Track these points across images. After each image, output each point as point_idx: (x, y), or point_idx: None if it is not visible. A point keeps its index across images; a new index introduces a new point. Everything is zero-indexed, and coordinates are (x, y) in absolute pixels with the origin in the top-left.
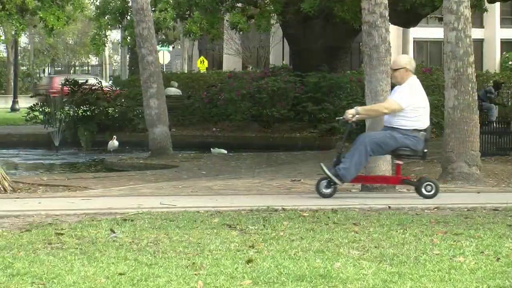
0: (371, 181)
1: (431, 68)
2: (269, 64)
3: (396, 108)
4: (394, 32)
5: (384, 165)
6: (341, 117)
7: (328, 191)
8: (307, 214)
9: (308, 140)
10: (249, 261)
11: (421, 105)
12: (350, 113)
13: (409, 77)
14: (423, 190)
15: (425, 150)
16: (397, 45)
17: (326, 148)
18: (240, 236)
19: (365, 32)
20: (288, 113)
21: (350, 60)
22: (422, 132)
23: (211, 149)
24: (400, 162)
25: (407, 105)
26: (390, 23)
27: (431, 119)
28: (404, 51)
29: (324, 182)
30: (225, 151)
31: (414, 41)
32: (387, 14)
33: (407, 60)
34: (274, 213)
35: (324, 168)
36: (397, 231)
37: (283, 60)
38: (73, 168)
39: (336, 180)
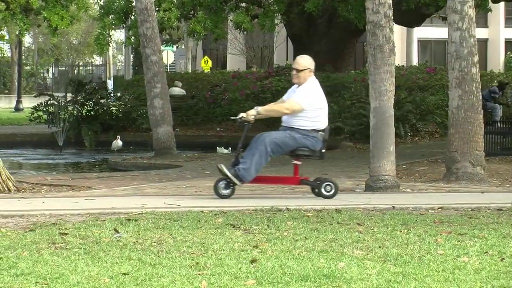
0: (270, 181)
1: (435, 68)
2: (273, 64)
3: (297, 109)
4: (398, 32)
5: (388, 165)
6: (237, 117)
7: (227, 191)
8: (311, 214)
9: None
10: (253, 261)
11: (320, 106)
12: (251, 114)
13: (310, 77)
14: (323, 191)
15: (323, 150)
16: (401, 45)
17: (330, 148)
18: (244, 236)
19: (369, 32)
20: None
21: (354, 60)
22: (321, 133)
23: (217, 148)
24: (298, 163)
25: (308, 106)
26: (394, 23)
27: (435, 119)
28: (408, 50)
29: (222, 183)
30: (229, 151)
31: (418, 41)
32: (391, 14)
33: (311, 61)
34: (278, 213)
35: (224, 168)
36: (401, 231)
37: (287, 60)
38: (77, 168)
39: (236, 181)
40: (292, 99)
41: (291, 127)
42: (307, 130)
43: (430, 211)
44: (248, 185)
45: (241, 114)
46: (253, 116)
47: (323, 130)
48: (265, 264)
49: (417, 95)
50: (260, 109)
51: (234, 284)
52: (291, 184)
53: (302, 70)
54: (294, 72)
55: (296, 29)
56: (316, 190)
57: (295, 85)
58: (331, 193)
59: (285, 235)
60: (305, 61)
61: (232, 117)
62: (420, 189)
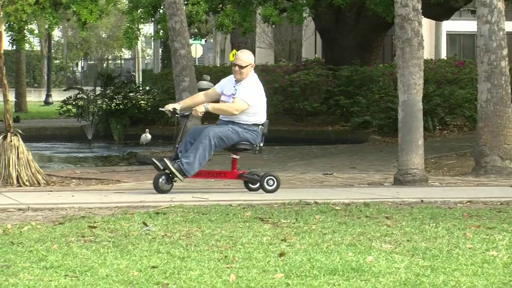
0: (209, 176)
1: (464, 61)
2: (301, 57)
3: (245, 108)
4: (427, 25)
5: (417, 159)
6: (166, 109)
7: (169, 187)
8: (339, 208)
9: (340, 133)
10: (281, 254)
11: (260, 101)
12: (201, 111)
13: (251, 73)
14: (265, 185)
15: (261, 144)
16: (430, 38)
17: (359, 142)
18: (272, 229)
19: (398, 26)
20: (320, 106)
21: (383, 54)
22: (260, 126)
23: None
24: (237, 157)
25: (254, 103)
26: (422, 16)
27: (463, 113)
28: (437, 44)
29: (163, 179)
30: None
31: (447, 34)
32: (420, 7)
33: (252, 56)
34: (306, 207)
35: (168, 163)
36: (429, 225)
37: (315, 53)
38: (105, 161)
39: (179, 176)
40: (239, 98)
41: (232, 121)
42: (248, 124)
43: (458, 205)
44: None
45: (170, 106)
46: (201, 113)
47: (262, 124)
48: (293, 258)
49: (445, 88)
50: (209, 106)
51: (262, 277)
52: (230, 178)
53: (245, 67)
54: (236, 68)
55: (325, 22)
56: (258, 184)
57: (231, 78)
58: (273, 187)
59: (313, 229)
60: (248, 57)
61: (160, 109)
62: (449, 183)
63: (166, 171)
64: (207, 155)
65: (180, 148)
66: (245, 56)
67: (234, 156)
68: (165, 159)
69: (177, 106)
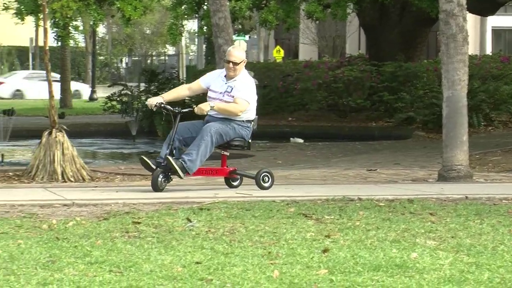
0: (199, 173)
1: (509, 57)
2: (345, 53)
3: (247, 108)
4: (472, 20)
5: (461, 155)
6: (154, 104)
7: (166, 184)
8: (383, 204)
9: (384, 129)
10: (325, 250)
11: (255, 98)
12: (206, 110)
13: (243, 69)
14: (261, 182)
15: (250, 141)
16: (475, 34)
17: (402, 138)
18: (316, 225)
19: (442, 21)
20: (364, 102)
21: (427, 49)
22: (252, 123)
23: (291, 138)
24: (227, 154)
25: (252, 101)
26: (467, 12)
27: (508, 109)
28: (482, 39)
29: (162, 177)
30: (301, 141)
31: (492, 30)
32: (464, 2)
33: (244, 52)
34: (350, 203)
35: (172, 161)
36: (474, 221)
37: (359, 49)
38: (150, 157)
39: (181, 174)
40: (241, 99)
41: (227, 118)
42: (243, 120)
43: (504, 201)
44: (320, 174)
45: (154, 100)
46: (207, 112)
47: (253, 120)
48: (337, 254)
49: (490, 84)
50: (215, 106)
51: (306, 273)
52: (221, 175)
53: (239, 63)
54: (230, 65)
55: (369, 18)
56: (239, 181)
57: (219, 73)
58: (268, 183)
59: (357, 225)
60: (241, 54)
61: (146, 103)
62: (494, 179)
63: (161, 169)
64: (208, 152)
65: (174, 145)
66: (238, 53)
67: (225, 153)
68: (168, 157)
69: (160, 99)
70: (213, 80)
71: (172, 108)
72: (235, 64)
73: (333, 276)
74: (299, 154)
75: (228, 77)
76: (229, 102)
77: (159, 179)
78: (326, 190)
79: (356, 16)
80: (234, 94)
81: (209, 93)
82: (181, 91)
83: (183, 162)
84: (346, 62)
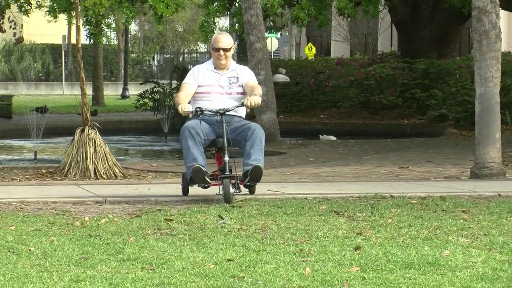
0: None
1: None
2: (377, 50)
3: None
4: (505, 17)
5: (494, 152)
6: (214, 110)
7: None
8: (415, 201)
9: (416, 127)
10: (357, 248)
11: None
12: (259, 102)
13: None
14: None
15: None
16: (508, 31)
17: (435, 135)
18: (347, 223)
19: (475, 18)
20: (396, 99)
21: (459, 46)
22: None
23: (320, 136)
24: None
25: None
26: (500, 8)
27: None
28: None
29: (232, 186)
30: (334, 138)
31: None
32: None
33: (232, 39)
34: (382, 200)
35: (260, 170)
36: (507, 219)
37: (391, 46)
38: (181, 154)
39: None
40: (255, 82)
41: (241, 116)
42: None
43: None
44: (351, 172)
45: (188, 107)
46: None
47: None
48: (369, 251)
49: None
50: (259, 95)
51: (338, 271)
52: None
53: (230, 49)
54: (221, 52)
55: (401, 15)
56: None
57: (207, 67)
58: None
59: (389, 222)
60: (230, 39)
61: (184, 111)
62: None
63: (228, 179)
64: None
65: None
66: (227, 39)
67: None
68: (258, 165)
69: (190, 106)
70: (202, 75)
71: (216, 109)
72: (225, 50)
73: (365, 273)
74: (331, 152)
75: (219, 68)
76: (241, 92)
77: (231, 191)
78: (358, 187)
79: (388, 13)
80: (245, 81)
81: (204, 89)
82: (186, 100)
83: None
84: (378, 59)
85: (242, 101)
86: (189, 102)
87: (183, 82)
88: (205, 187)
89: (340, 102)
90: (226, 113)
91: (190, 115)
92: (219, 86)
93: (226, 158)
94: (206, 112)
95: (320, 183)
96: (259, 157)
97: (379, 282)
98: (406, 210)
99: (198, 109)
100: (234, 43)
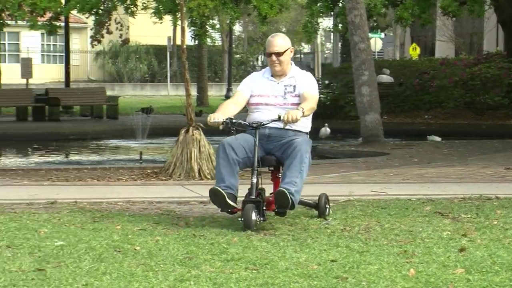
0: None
1: None
2: (482, 50)
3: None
4: None
5: None
6: (274, 120)
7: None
8: None
9: None
10: (461, 249)
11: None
12: (300, 117)
13: (293, 64)
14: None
15: None
16: None
17: None
18: (452, 224)
19: None
20: (502, 100)
21: None
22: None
23: (428, 136)
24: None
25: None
26: None
27: None
28: None
29: (254, 213)
30: (439, 139)
31: None
32: None
33: (289, 39)
34: (487, 202)
35: (289, 196)
36: None
37: (497, 46)
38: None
39: (289, 211)
40: (312, 93)
41: (300, 131)
42: (308, 132)
43: None
44: (456, 172)
45: (219, 117)
46: (300, 118)
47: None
48: (474, 253)
49: None
50: (304, 109)
51: (442, 272)
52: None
53: (283, 53)
54: (273, 58)
55: (506, 14)
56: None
57: (259, 74)
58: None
59: (494, 224)
60: (284, 41)
61: (211, 121)
62: None
63: (252, 204)
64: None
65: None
66: (280, 41)
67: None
68: (284, 190)
69: (222, 116)
70: (256, 83)
71: (248, 122)
72: (278, 55)
73: (470, 275)
74: (435, 152)
75: (275, 75)
76: (296, 103)
77: (253, 219)
78: (462, 188)
79: (494, 13)
80: (301, 91)
81: (256, 99)
82: (228, 108)
83: (290, 195)
84: (484, 59)
85: (279, 114)
86: (245, 112)
87: (237, 88)
88: (229, 212)
89: (445, 103)
90: (271, 126)
91: (221, 127)
92: (273, 96)
93: (254, 180)
94: (241, 123)
95: (424, 184)
96: (295, 179)
97: (484, 284)
98: None
99: (228, 120)
100: (338, 43)
